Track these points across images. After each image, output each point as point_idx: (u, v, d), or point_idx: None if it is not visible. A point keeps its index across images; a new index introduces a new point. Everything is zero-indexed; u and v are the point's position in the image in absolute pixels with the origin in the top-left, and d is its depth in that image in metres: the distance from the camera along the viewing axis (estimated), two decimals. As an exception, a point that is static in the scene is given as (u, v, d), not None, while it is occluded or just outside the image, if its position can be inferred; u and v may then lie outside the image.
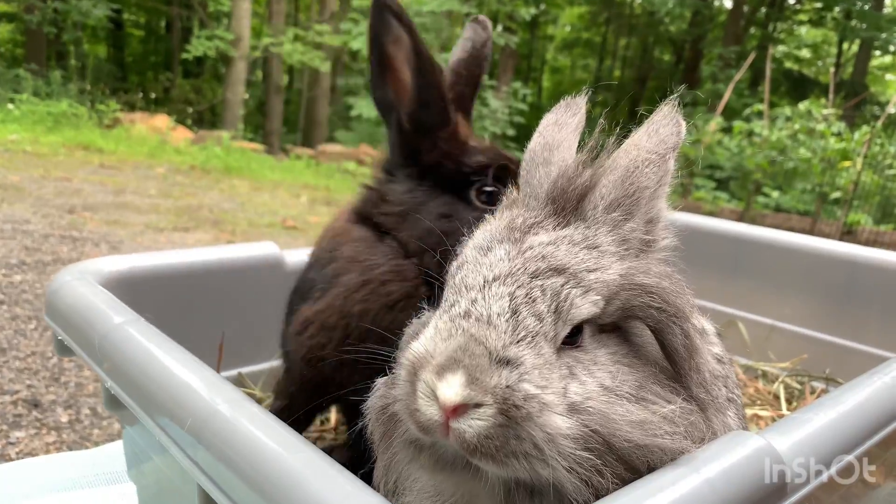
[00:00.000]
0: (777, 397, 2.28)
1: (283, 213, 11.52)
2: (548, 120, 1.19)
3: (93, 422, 4.56)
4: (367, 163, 17.61)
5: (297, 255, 1.98)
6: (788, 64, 25.48)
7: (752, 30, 26.78)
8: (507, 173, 1.55)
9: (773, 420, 2.10)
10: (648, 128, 1.09)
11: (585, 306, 0.94)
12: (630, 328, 1.02)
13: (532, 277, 0.94)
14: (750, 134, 13.66)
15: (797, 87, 24.08)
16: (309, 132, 24.96)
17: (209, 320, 1.85)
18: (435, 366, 0.88)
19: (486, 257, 0.98)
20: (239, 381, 1.94)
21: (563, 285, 0.94)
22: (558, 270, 0.95)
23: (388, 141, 1.70)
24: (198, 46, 20.95)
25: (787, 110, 13.60)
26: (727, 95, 13.89)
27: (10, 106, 17.72)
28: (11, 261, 7.30)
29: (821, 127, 12.40)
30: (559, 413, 0.87)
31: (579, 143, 1.15)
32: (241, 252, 1.89)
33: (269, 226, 10.49)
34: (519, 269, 0.95)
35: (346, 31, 21.98)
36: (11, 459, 4.05)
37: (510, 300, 0.92)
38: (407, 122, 1.61)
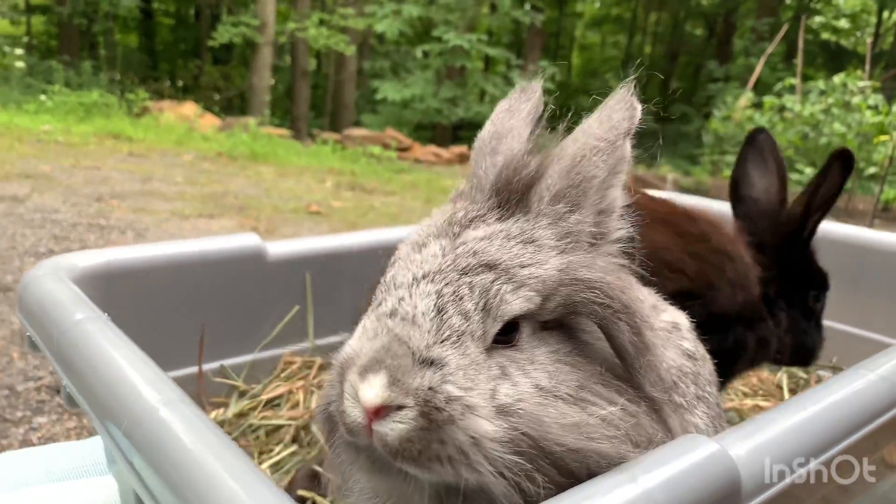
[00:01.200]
0: (780, 387, 2.20)
1: (307, 198, 11.55)
2: (501, 107, 1.13)
3: (113, 407, 4.66)
4: (392, 146, 17.56)
5: (280, 247, 1.95)
6: (825, 35, 24.52)
7: (788, 0, 25.87)
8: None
9: (775, 411, 2.02)
10: (601, 113, 1.03)
11: (517, 302, 0.89)
12: (577, 325, 0.97)
13: (461, 274, 0.89)
14: (781, 109, 13.21)
15: (834, 58, 23.20)
16: (336, 116, 24.97)
17: (190, 313, 1.84)
18: (358, 366, 0.85)
19: (419, 254, 0.94)
20: (222, 373, 1.94)
21: (493, 281, 0.89)
22: (489, 266, 0.90)
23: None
24: (223, 33, 21.05)
25: (821, 84, 13.07)
26: (758, 69, 13.45)
27: (43, 97, 18.08)
28: (40, 249, 7.47)
29: (856, 100, 11.92)
30: (484, 416, 0.83)
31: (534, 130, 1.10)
32: (222, 244, 1.87)
33: (294, 211, 10.52)
34: (449, 266, 0.90)
35: (370, 13, 21.84)
36: (34, 444, 4.15)
37: (437, 298, 0.87)
38: (770, 233, 1.90)
